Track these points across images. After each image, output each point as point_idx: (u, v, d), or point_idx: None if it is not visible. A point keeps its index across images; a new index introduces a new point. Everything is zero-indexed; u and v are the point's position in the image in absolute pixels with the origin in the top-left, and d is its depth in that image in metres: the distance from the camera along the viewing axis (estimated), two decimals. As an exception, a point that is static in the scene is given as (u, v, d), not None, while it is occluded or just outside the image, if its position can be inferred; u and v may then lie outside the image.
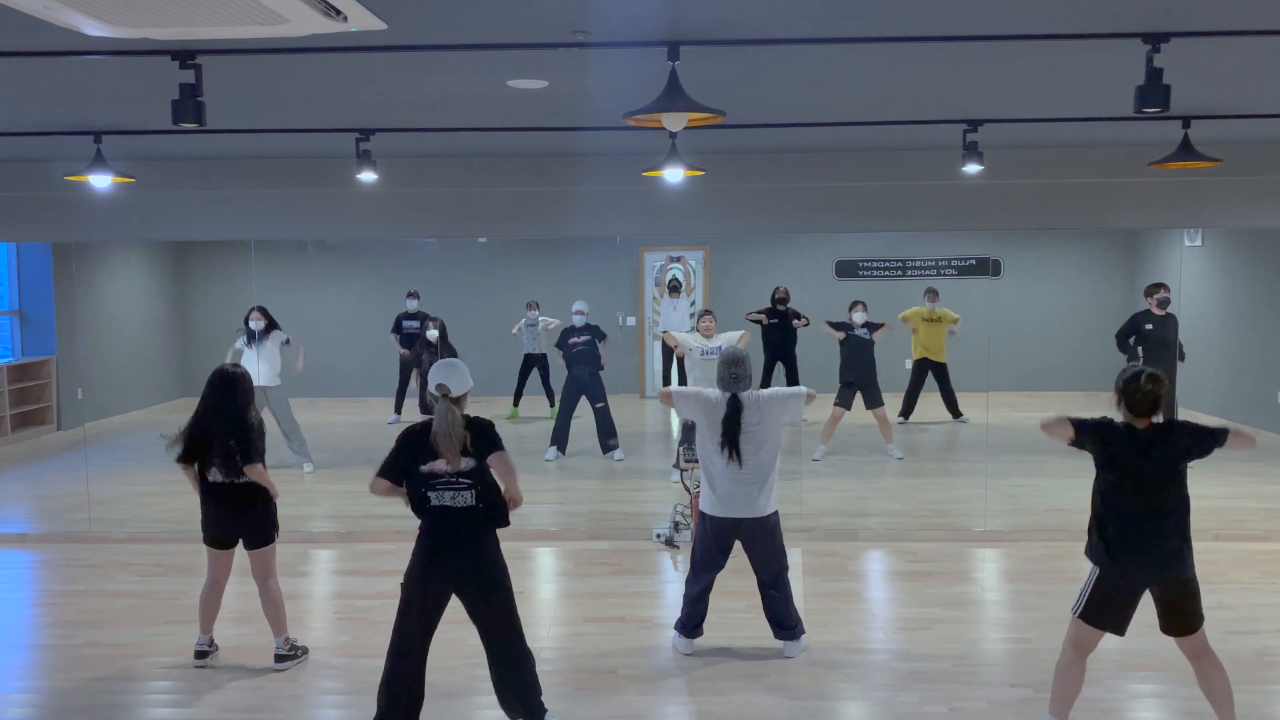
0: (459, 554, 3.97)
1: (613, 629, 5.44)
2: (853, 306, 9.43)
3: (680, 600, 5.21)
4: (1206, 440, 3.90)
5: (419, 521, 4.02)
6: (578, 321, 9.46)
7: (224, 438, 4.83)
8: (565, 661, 4.98)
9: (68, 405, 10.67)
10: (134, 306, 11.96)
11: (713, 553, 5.00)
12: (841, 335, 9.28)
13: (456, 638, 4.39)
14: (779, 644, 5.06)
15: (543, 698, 4.12)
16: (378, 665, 4.11)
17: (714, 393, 4.96)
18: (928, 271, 11.86)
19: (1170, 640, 4.75)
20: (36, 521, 7.90)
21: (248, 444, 4.83)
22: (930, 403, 10.78)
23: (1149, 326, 8.50)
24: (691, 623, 5.08)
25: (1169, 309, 8.47)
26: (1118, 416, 3.97)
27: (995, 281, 11.18)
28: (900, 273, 12.04)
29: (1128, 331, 8.61)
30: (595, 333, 9.46)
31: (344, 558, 6.83)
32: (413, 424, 4.06)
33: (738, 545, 5.01)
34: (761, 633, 5.14)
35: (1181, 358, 8.45)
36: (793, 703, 4.52)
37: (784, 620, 5.03)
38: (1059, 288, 12.07)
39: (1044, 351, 11.57)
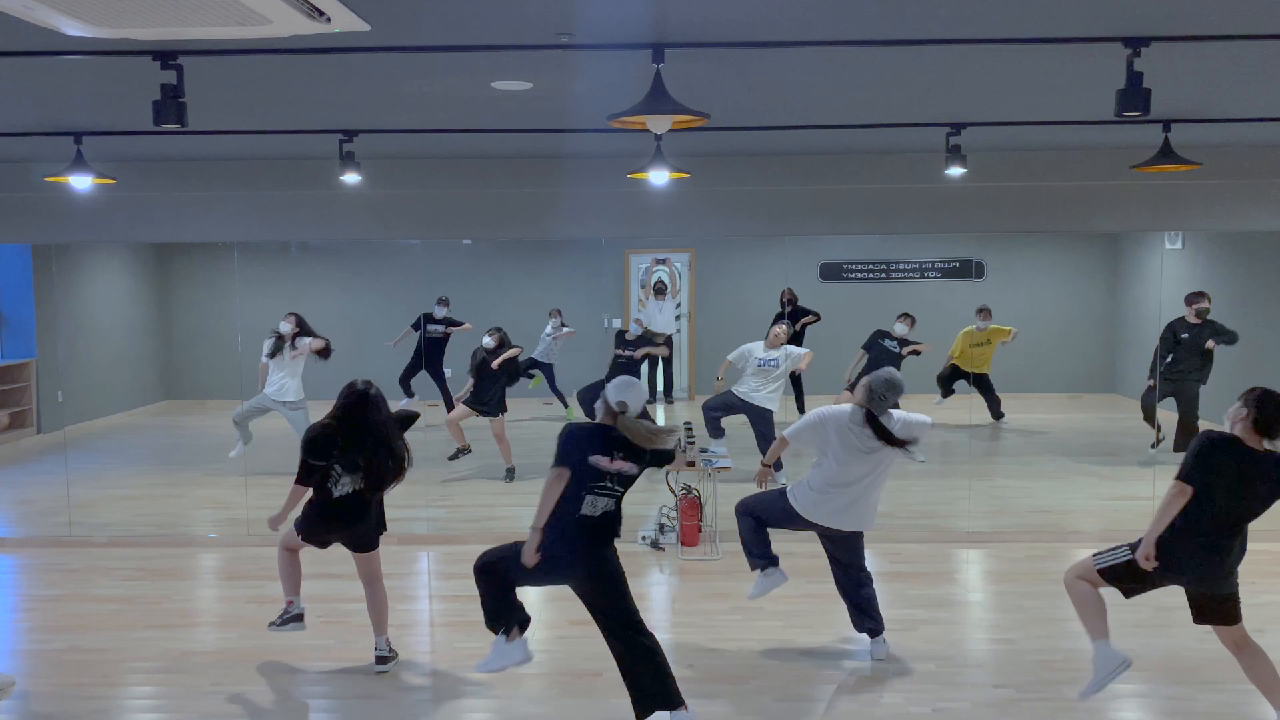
0: (593, 553, 4.20)
1: (598, 632, 5.41)
2: (900, 317, 9.48)
3: (670, 603, 5.20)
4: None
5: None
6: (635, 330, 9.59)
7: (374, 454, 4.80)
8: (550, 664, 4.97)
9: (48, 408, 10.57)
10: (115, 309, 11.86)
11: (786, 526, 5.01)
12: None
13: (446, 640, 4.37)
14: (765, 645, 5.06)
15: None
16: (363, 669, 4.09)
17: (843, 410, 4.89)
18: (911, 274, 11.89)
19: (1155, 640, 4.79)
20: (16, 526, 7.83)
21: (400, 466, 4.87)
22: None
23: (1185, 335, 8.66)
24: (761, 551, 5.02)
25: (1207, 318, 8.63)
26: (1226, 426, 3.96)
27: (978, 284, 11.23)
28: (884, 275, 12.08)
29: (1170, 340, 8.64)
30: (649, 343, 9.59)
31: (327, 560, 6.77)
32: (584, 423, 4.33)
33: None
34: (748, 634, 5.14)
35: (1232, 341, 8.55)
36: (779, 704, 4.52)
37: (875, 614, 5.07)
38: (1041, 290, 12.12)
39: (1026, 354, 11.61)
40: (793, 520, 4.94)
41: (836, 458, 4.79)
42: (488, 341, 9.05)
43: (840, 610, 5.74)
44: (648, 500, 7.89)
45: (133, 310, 12.20)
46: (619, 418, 4.18)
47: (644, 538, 7.00)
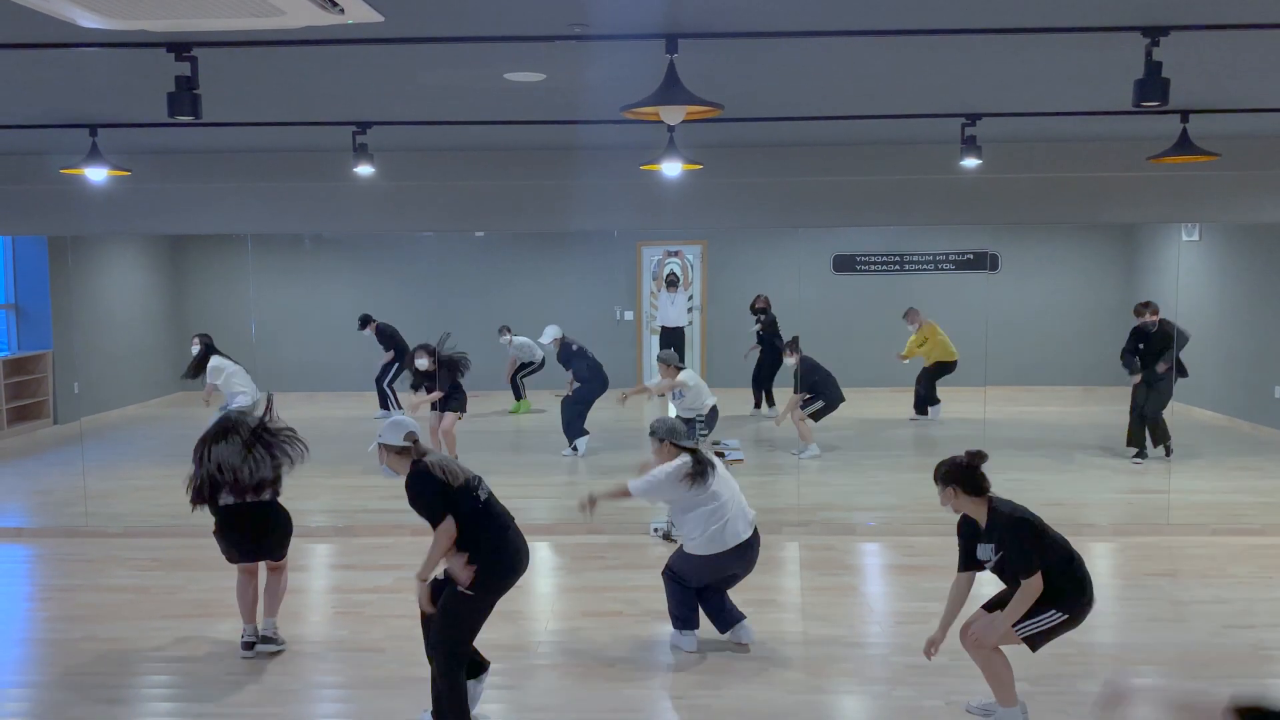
0: None
1: (610, 623, 5.44)
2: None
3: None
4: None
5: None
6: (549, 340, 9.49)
7: None
8: (562, 656, 4.98)
9: (64, 399, 10.65)
10: (130, 300, 11.93)
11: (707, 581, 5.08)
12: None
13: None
14: (776, 637, 5.06)
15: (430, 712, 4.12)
16: (375, 659, 4.11)
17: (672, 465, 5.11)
18: (925, 266, 11.86)
19: (1170, 635, 4.76)
20: (33, 516, 7.89)
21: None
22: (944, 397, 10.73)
23: (1141, 345, 8.73)
24: (683, 612, 5.04)
25: (1161, 315, 8.64)
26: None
27: (993, 276, 11.19)
28: (898, 267, 12.04)
29: (1131, 349, 8.75)
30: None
31: (341, 552, 6.82)
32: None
33: None
34: (759, 626, 5.14)
35: (1183, 343, 8.58)
36: (790, 696, 4.52)
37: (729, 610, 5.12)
38: (1056, 282, 12.09)
39: (1041, 346, 11.59)
40: (708, 568, 4.98)
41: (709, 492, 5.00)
42: (421, 363, 8.73)
43: (851, 602, 5.75)
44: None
45: (148, 302, 12.27)
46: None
47: (656, 530, 7.01)
